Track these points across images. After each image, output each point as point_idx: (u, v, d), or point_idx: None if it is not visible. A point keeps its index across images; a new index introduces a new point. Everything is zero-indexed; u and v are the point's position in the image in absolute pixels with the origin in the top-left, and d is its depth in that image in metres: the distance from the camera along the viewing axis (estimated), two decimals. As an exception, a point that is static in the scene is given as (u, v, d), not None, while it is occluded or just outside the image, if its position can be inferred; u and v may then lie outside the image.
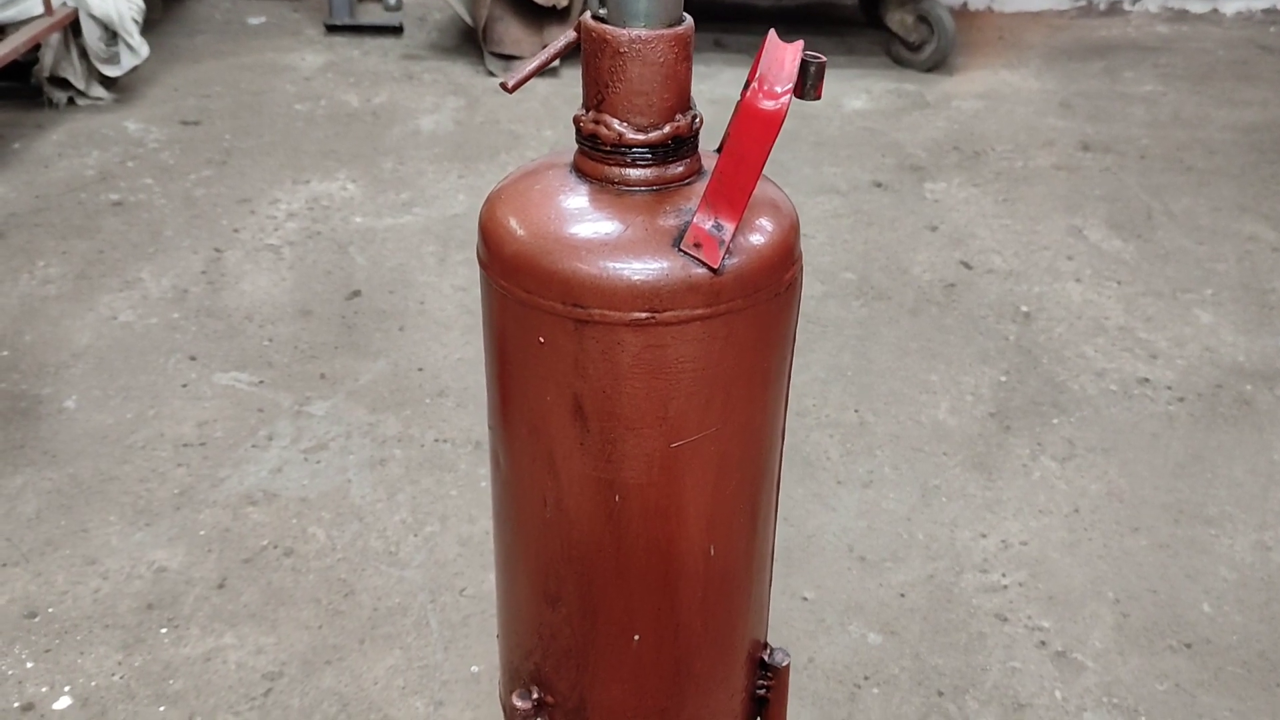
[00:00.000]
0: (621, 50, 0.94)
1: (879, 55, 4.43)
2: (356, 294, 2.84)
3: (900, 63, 4.37)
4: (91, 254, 2.95)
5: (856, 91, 4.14)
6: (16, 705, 1.76)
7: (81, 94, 3.73)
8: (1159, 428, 2.44)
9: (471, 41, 4.34)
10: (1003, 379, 2.60)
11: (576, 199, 0.98)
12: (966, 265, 3.05)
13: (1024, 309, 2.86)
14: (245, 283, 2.87)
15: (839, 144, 3.73)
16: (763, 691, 1.21)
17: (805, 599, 2.00)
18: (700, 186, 0.98)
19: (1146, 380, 2.60)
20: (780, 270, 0.99)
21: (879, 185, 3.47)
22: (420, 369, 2.57)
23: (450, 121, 3.81)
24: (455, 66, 4.23)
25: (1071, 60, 4.48)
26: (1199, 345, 2.72)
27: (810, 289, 2.91)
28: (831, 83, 4.17)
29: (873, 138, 3.79)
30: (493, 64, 4.17)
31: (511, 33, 4.17)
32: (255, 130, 3.67)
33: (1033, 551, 2.11)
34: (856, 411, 2.48)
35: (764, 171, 1.02)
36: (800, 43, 0.96)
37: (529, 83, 3.99)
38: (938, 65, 4.31)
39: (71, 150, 3.48)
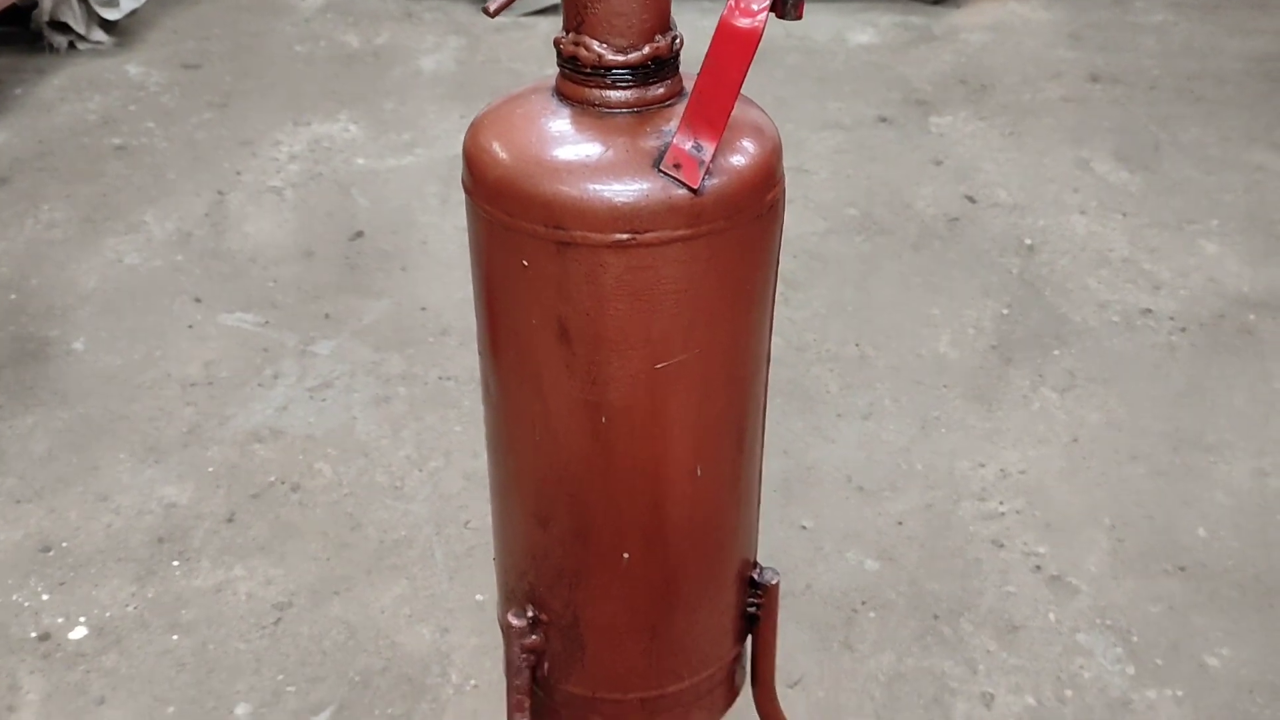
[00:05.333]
0: (600, -30, 0.94)
1: (886, -12, 4.36)
2: (359, 235, 2.85)
3: (907, -5, 4.30)
4: (95, 198, 2.97)
5: (862, 25, 4.08)
6: (34, 635, 1.81)
7: (81, 38, 3.71)
8: (1160, 358, 2.45)
9: (472, -20, 4.29)
10: (1005, 312, 2.60)
11: (558, 122, 0.99)
12: (971, 199, 3.03)
13: (1028, 242, 2.85)
14: (248, 225, 2.88)
15: (843, 79, 3.69)
16: (753, 609, 1.24)
17: (804, 528, 2.03)
18: (682, 108, 0.98)
19: (1149, 311, 2.59)
20: (762, 191, 1.00)
21: (884, 120, 3.44)
22: (423, 308, 2.59)
23: (452, 61, 3.79)
24: (456, 6, 4.18)
25: (1082, -10, 4.40)
26: (1203, 276, 2.71)
27: (812, 225, 2.91)
28: (836, 16, 4.11)
29: (878, 72, 3.75)
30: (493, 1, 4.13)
31: (512, -30, 4.12)
32: (256, 72, 3.66)
33: (1030, 480, 2.13)
34: (857, 345, 2.49)
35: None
36: (781, -39, 0.95)
37: (531, 21, 3.96)
38: (945, -3, 4.24)
39: (73, 94, 3.48)
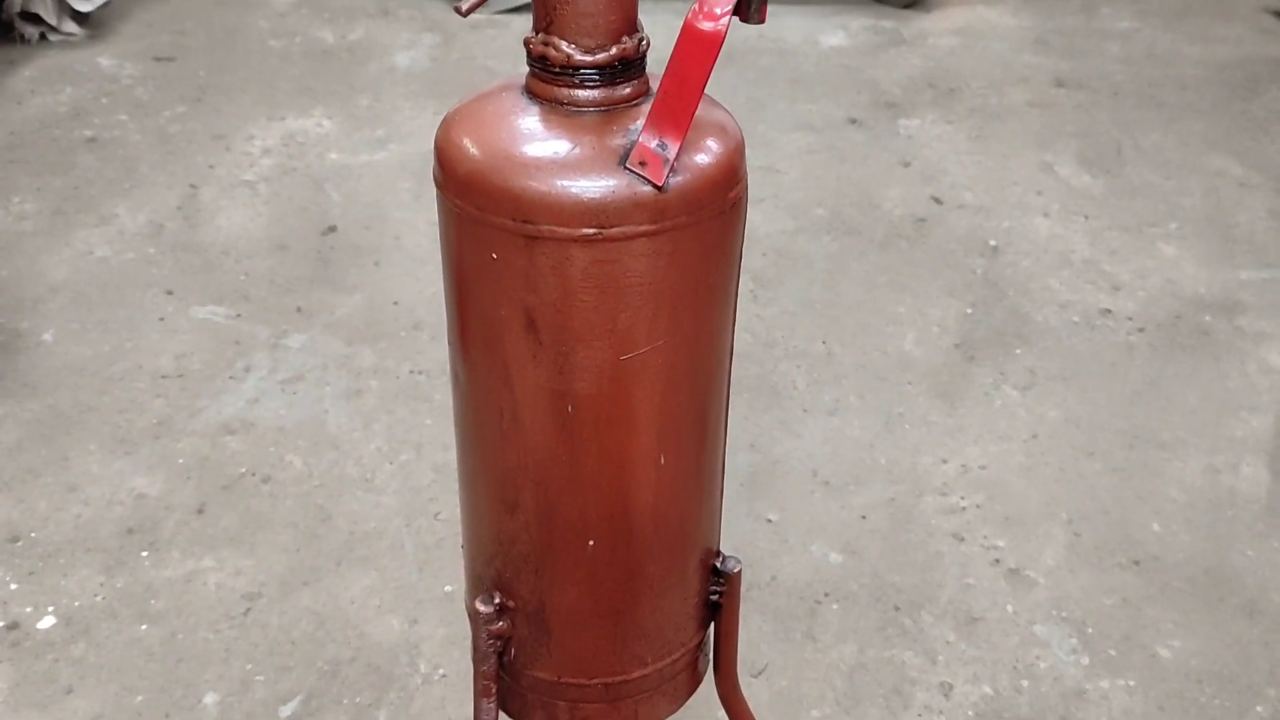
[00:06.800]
0: (569, -27, 0.97)
1: (857, -9, 4.41)
2: (332, 229, 2.86)
3: (878, -1, 4.35)
4: (67, 190, 2.96)
5: (834, 28, 4.13)
6: (2, 625, 1.82)
7: (54, 29, 3.70)
8: (1118, 357, 2.50)
9: (447, -23, 4.30)
10: (969, 311, 2.65)
11: (528, 119, 1.02)
12: (937, 200, 3.08)
13: (992, 243, 2.91)
14: (221, 218, 2.88)
15: (815, 81, 3.74)
16: (715, 597, 1.27)
17: (769, 521, 2.06)
18: (648, 107, 1.01)
19: (1108, 311, 2.65)
20: (725, 189, 1.03)
21: (853, 122, 3.49)
22: (396, 302, 2.61)
23: (426, 58, 3.80)
24: (431, 3, 4.19)
25: (1050, -4, 4.47)
26: (1161, 277, 2.78)
27: (781, 224, 2.95)
28: (808, 18, 4.16)
29: (849, 75, 3.80)
30: (465, 1, 4.14)
31: (487, -32, 4.14)
32: (230, 67, 3.65)
33: (991, 475, 2.18)
34: (824, 343, 2.53)
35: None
36: (744, -34, 0.98)
37: (505, 19, 3.98)
38: (915, 2, 4.30)
39: (45, 86, 3.46)
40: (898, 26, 4.16)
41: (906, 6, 4.30)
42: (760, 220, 2.92)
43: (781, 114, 3.50)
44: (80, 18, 3.74)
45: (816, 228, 2.94)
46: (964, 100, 3.64)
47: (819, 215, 3.00)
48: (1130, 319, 2.63)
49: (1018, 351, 2.52)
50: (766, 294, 2.68)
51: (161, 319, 2.52)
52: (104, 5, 3.75)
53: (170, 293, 2.60)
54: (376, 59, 3.76)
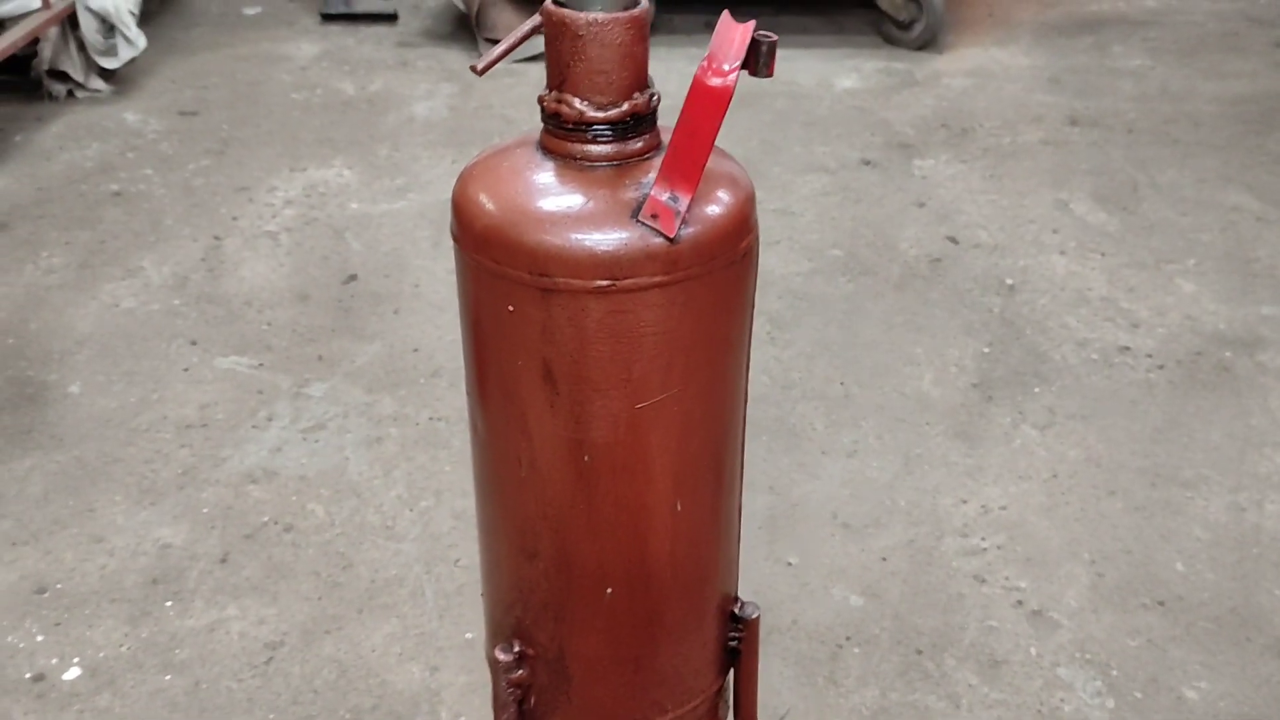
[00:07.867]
0: (580, 33, 0.99)
1: (869, 34, 4.46)
2: (353, 278, 2.90)
3: (890, 41, 4.40)
4: (93, 244, 3.02)
5: (847, 71, 4.17)
6: (28, 676, 1.83)
7: (80, 86, 3.79)
8: (1138, 395, 2.50)
9: (465, 28, 4.38)
10: (986, 350, 2.65)
11: (542, 175, 1.04)
12: (953, 240, 3.10)
13: (1009, 282, 2.91)
14: (244, 269, 2.93)
15: (829, 123, 3.77)
16: (734, 643, 1.27)
17: (790, 564, 2.06)
18: (659, 160, 1.03)
19: (1127, 349, 2.65)
20: (736, 239, 1.05)
21: (868, 163, 3.52)
22: (415, 350, 2.63)
23: (444, 108, 3.86)
24: (449, 53, 4.27)
25: (1061, 36, 4.50)
26: (1180, 314, 2.77)
27: (798, 265, 2.97)
28: (821, 62, 4.21)
29: (862, 116, 3.83)
30: (486, 50, 4.21)
31: (504, 18, 4.21)
32: (252, 120, 3.72)
33: (1012, 515, 2.17)
34: (842, 384, 2.53)
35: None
36: (752, 22, 1.01)
37: (522, 68, 4.04)
38: (927, 44, 4.34)
39: (72, 142, 3.54)
40: (910, 68, 4.20)
41: (919, 48, 4.34)
42: (776, 262, 2.94)
43: (796, 156, 3.54)
44: (107, 74, 3.83)
45: (832, 269, 2.96)
46: (978, 140, 3.66)
47: (835, 256, 3.02)
48: (1150, 356, 2.62)
49: (1036, 390, 2.51)
50: (783, 336, 2.69)
51: (186, 370, 2.55)
52: (129, 62, 3.84)
53: (194, 343, 2.64)
54: (395, 109, 3.83)
